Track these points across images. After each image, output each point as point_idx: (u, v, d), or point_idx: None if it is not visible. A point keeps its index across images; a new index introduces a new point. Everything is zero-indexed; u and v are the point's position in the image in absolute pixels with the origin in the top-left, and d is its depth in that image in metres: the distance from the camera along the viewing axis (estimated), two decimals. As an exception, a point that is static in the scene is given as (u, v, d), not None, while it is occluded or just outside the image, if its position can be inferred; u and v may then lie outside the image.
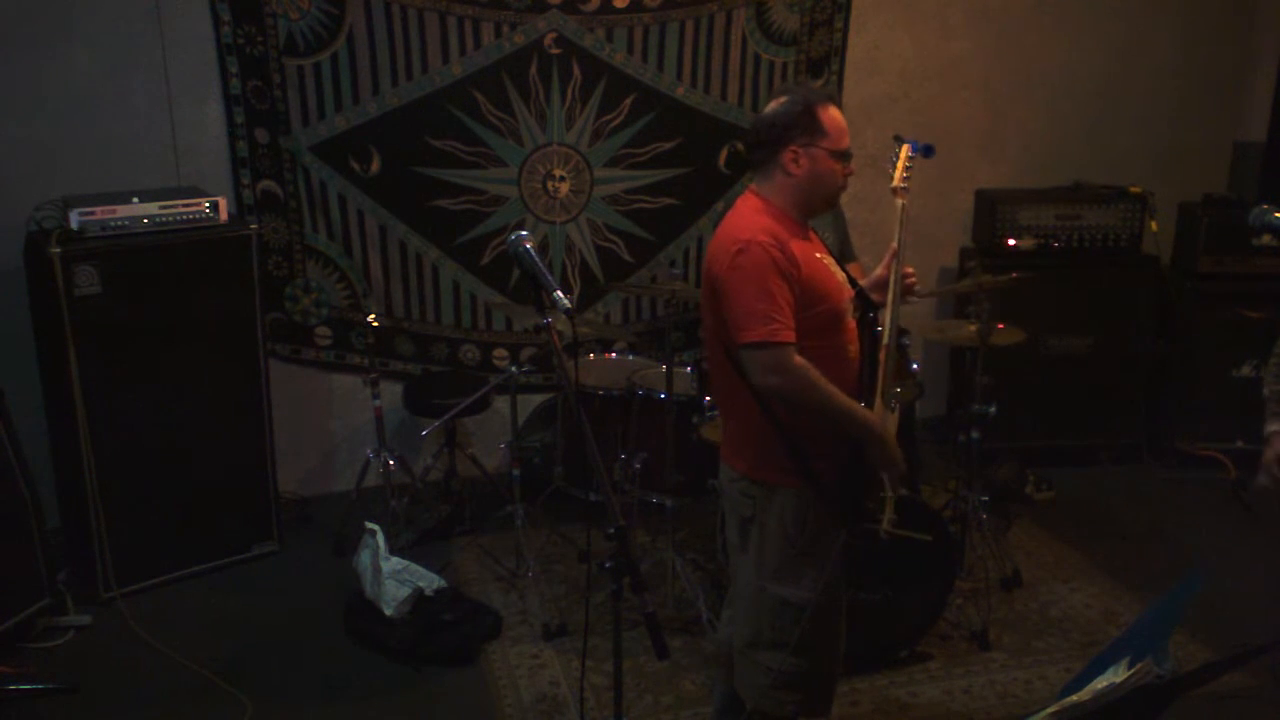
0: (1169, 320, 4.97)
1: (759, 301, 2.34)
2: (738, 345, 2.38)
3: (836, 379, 2.40)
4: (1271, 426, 2.80)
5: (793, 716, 2.57)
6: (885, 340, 2.52)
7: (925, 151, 2.77)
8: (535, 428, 4.66)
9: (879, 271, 2.68)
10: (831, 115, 2.47)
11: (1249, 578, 3.92)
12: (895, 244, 2.59)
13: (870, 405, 2.47)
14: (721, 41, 4.68)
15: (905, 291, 2.62)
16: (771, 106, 2.50)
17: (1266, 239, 4.83)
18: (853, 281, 2.59)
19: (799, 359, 2.35)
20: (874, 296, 2.62)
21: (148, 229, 3.78)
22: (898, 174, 2.64)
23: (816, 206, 2.55)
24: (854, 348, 2.53)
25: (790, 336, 2.34)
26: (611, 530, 2.12)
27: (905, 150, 2.67)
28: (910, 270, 2.63)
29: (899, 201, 2.63)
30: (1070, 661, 3.52)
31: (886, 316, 2.54)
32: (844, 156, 2.48)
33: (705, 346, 2.65)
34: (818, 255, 2.50)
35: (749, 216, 2.45)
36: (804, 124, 2.44)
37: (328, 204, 4.44)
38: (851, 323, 2.53)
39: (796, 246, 2.42)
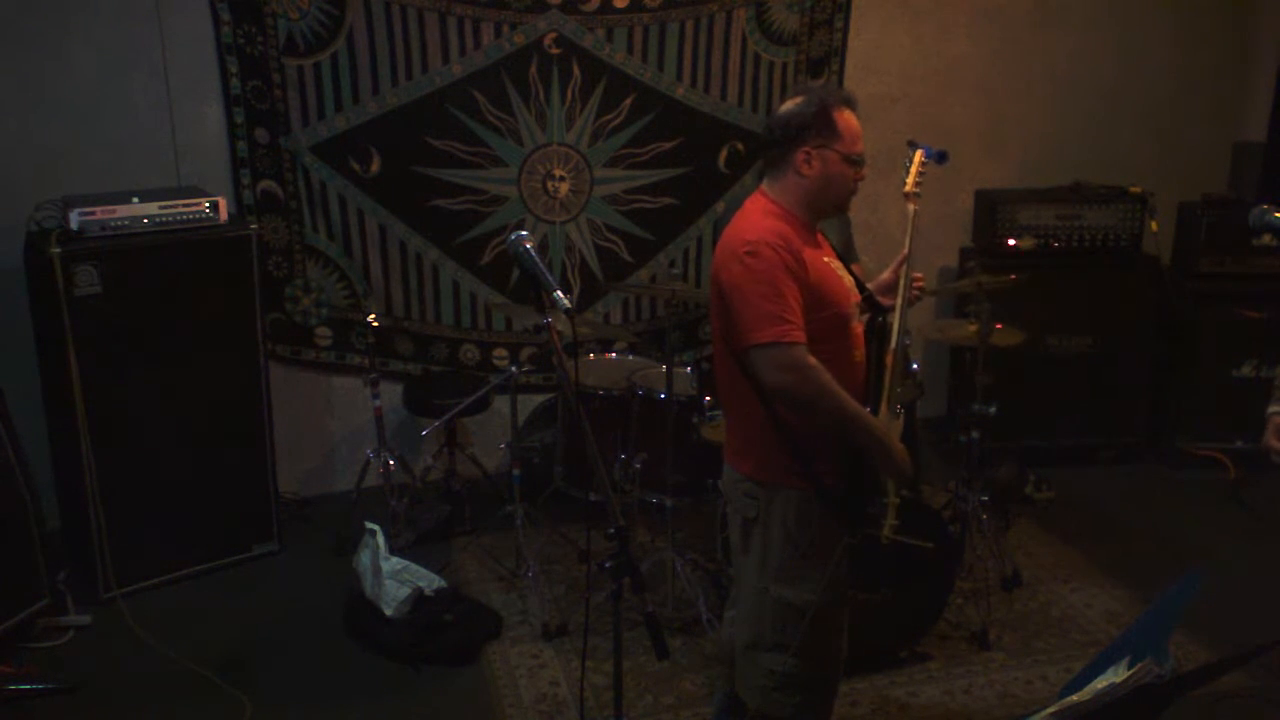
0: (1169, 320, 4.97)
1: (769, 303, 2.32)
2: (748, 346, 2.35)
3: (843, 384, 2.39)
4: (1272, 408, 2.84)
5: (793, 718, 2.56)
6: (892, 345, 2.51)
7: (939, 158, 2.75)
8: (535, 428, 4.66)
9: (886, 275, 2.68)
10: (846, 119, 2.44)
11: (1249, 578, 3.93)
12: (906, 249, 2.58)
13: (876, 411, 2.46)
14: (721, 41, 4.68)
15: (912, 299, 2.61)
16: (787, 105, 2.47)
17: (1266, 239, 4.84)
18: (861, 285, 2.58)
19: (811, 359, 2.33)
20: (881, 300, 2.61)
21: (148, 229, 3.78)
22: (910, 179, 2.63)
23: (826, 210, 2.52)
24: (860, 353, 2.51)
25: (801, 337, 2.32)
26: (611, 530, 2.12)
27: (919, 155, 2.65)
28: (919, 275, 2.62)
29: (910, 207, 2.62)
30: (1070, 661, 3.52)
31: (894, 322, 2.53)
32: (856, 161, 2.45)
33: (712, 347, 2.63)
34: (826, 259, 2.49)
35: (758, 218, 2.44)
36: (818, 125, 2.41)
37: (328, 204, 4.44)
38: (858, 327, 2.52)
39: (805, 250, 2.40)
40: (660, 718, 3.28)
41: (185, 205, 3.85)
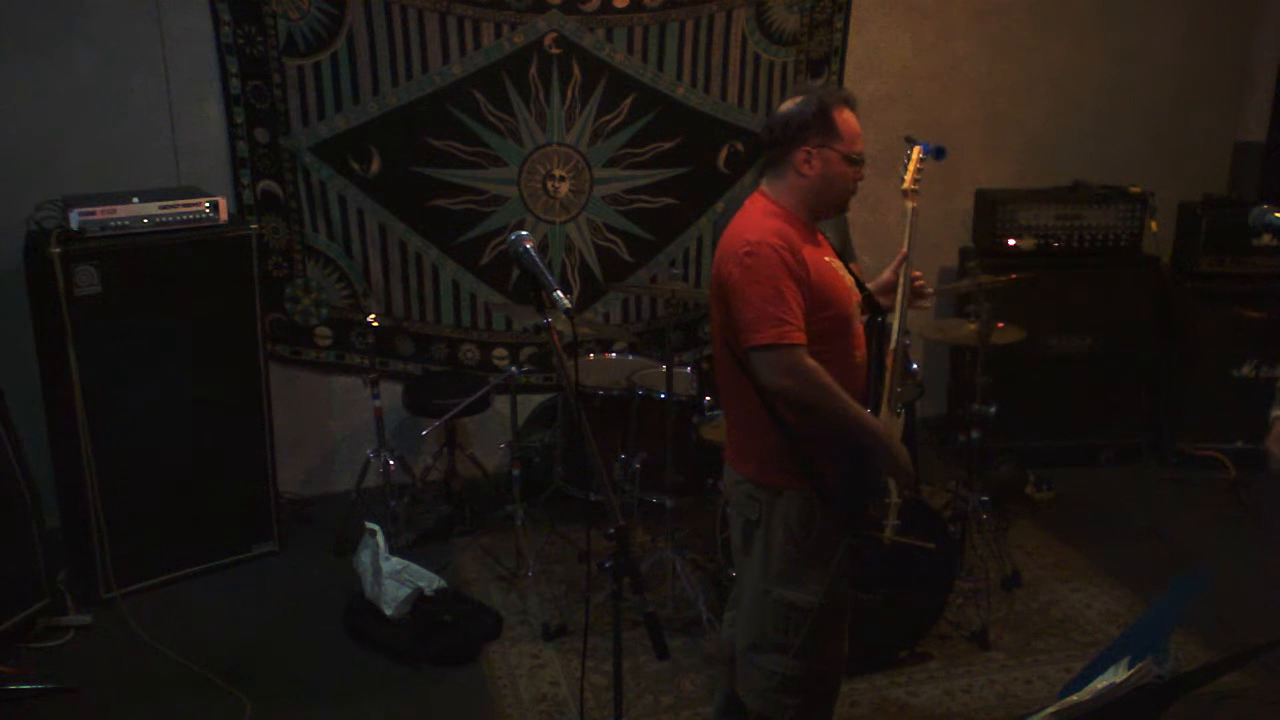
0: (1169, 320, 4.97)
1: (769, 304, 2.32)
2: (748, 347, 2.35)
3: (843, 384, 2.39)
4: (1276, 411, 2.83)
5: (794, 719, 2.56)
6: (892, 345, 2.51)
7: (937, 154, 2.76)
8: (535, 428, 4.66)
9: (886, 275, 2.67)
10: (846, 118, 2.44)
11: (1249, 578, 3.92)
12: (905, 248, 2.58)
13: (877, 411, 2.46)
14: (721, 41, 4.68)
15: (914, 296, 2.61)
16: (787, 105, 2.48)
17: (1266, 239, 4.84)
18: (861, 285, 2.58)
19: (811, 361, 2.33)
20: (880, 300, 2.61)
21: (148, 229, 3.78)
22: (909, 176, 2.63)
23: (826, 210, 2.52)
24: (860, 353, 2.51)
25: (801, 338, 2.33)
26: (611, 530, 2.12)
27: (917, 152, 2.65)
28: (918, 274, 2.62)
29: (909, 204, 2.62)
30: (1070, 661, 3.52)
31: (895, 321, 2.53)
32: (856, 161, 2.45)
33: (713, 347, 2.63)
34: (827, 259, 2.49)
35: (758, 218, 2.44)
36: (818, 125, 2.42)
37: (328, 204, 4.44)
38: (859, 327, 2.52)
39: (806, 249, 2.40)
40: (660, 718, 3.28)
41: (185, 205, 3.85)
